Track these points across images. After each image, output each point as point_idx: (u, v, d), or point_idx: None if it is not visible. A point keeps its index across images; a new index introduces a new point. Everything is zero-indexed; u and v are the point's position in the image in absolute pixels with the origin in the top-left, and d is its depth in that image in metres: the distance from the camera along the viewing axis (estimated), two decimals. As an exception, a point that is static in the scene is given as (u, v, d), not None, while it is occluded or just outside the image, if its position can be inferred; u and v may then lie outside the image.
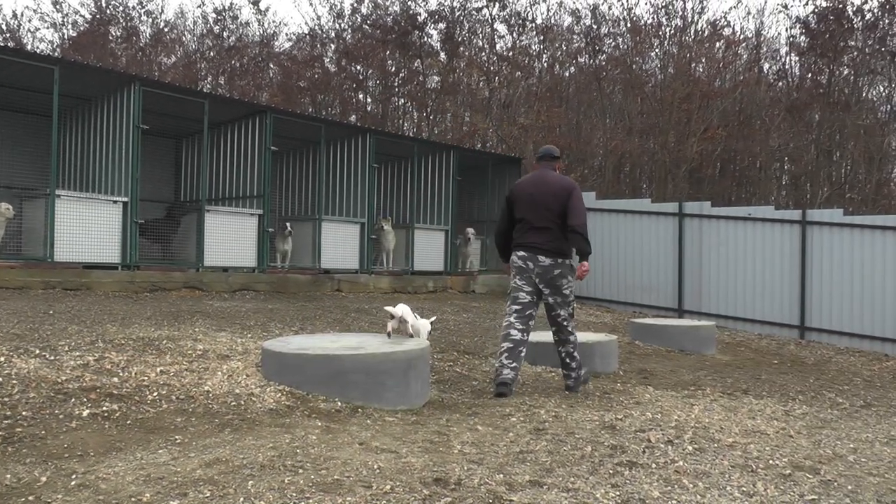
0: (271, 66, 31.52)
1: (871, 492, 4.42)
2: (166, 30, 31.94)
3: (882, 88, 26.73)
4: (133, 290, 11.94)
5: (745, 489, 4.27)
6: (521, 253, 7.01)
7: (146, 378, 5.68)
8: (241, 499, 3.55)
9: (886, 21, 24.74)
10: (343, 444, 4.60)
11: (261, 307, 11.25)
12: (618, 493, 4.05)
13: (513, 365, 6.80)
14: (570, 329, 7.15)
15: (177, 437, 4.55)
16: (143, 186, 13.03)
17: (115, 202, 12.21)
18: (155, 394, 5.36)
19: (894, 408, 7.70)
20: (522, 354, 6.95)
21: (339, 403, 5.60)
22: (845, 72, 25.75)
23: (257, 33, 32.20)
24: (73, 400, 5.02)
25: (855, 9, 24.77)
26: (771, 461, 4.92)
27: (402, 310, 6.84)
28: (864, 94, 26.04)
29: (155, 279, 12.34)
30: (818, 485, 4.47)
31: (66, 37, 31.12)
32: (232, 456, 4.19)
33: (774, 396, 7.80)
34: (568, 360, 7.15)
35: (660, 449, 5.06)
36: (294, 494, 3.64)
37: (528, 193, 7.05)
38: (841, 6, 24.72)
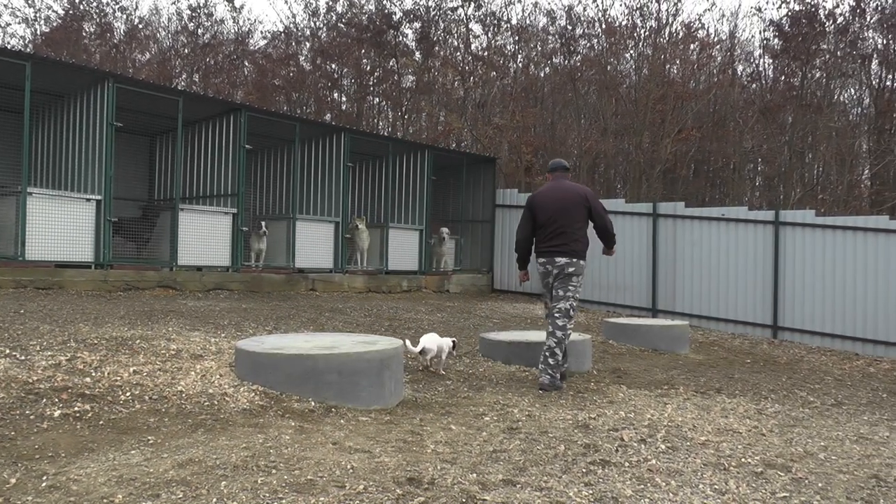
0: (246, 63, 31.40)
1: (840, 489, 4.49)
2: (140, 26, 31.70)
3: (853, 91, 27.05)
4: (106, 289, 11.87)
5: (717, 487, 4.32)
6: (542, 259, 7.71)
7: (119, 378, 5.65)
8: (214, 499, 3.55)
9: (857, 25, 25.03)
10: (316, 444, 4.61)
11: (235, 306, 11.21)
12: (591, 491, 4.09)
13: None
14: (559, 324, 7.47)
15: (149, 437, 4.53)
16: (117, 184, 12.95)
17: (88, 200, 12.12)
18: (128, 394, 5.33)
19: (864, 406, 7.80)
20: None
21: (313, 403, 5.60)
22: (817, 74, 25.99)
23: (232, 31, 32.11)
24: (44, 400, 4.99)
25: (827, 12, 25.09)
26: (743, 459, 4.98)
27: (426, 343, 7.54)
28: (835, 97, 26.30)
29: (128, 278, 12.27)
30: (789, 482, 4.54)
31: (38, 32, 30.79)
32: (205, 456, 4.18)
33: (747, 395, 7.88)
34: (547, 355, 7.38)
35: (633, 447, 5.10)
36: (267, 495, 3.64)
37: (549, 201, 7.69)
38: (813, 10, 24.98)
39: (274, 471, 4.01)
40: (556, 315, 7.47)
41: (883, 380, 10.23)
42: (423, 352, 7.47)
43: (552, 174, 7.99)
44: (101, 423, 4.74)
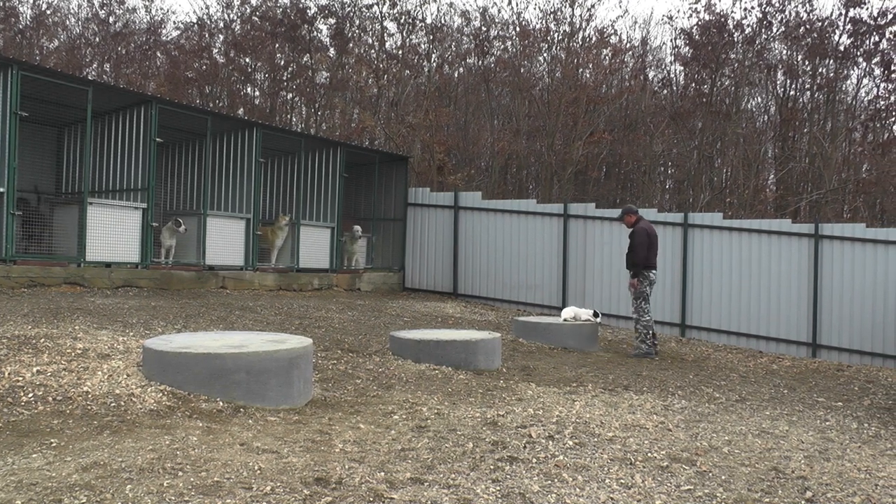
0: (159, 54, 30.69)
1: (742, 481, 4.68)
2: (49, 12, 30.62)
3: (760, 99, 27.91)
4: (9, 285, 11.53)
5: (623, 481, 4.46)
6: (655, 271, 11.55)
7: (21, 378, 5.53)
8: None
9: (764, 36, 25.81)
10: (224, 445, 4.60)
11: (144, 304, 11.03)
12: (498, 487, 4.17)
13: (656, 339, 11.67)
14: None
15: (52, 440, 4.46)
16: (22, 177, 12.57)
17: (-11, 193, 11.76)
18: (30, 395, 5.23)
19: (766, 402, 8.09)
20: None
21: (221, 403, 5.58)
22: (726, 82, 26.72)
23: (144, 20, 31.33)
24: (-59, 401, 4.87)
25: (735, 23, 25.80)
26: (649, 454, 5.14)
27: (569, 313, 12.12)
28: (743, 104, 27.07)
29: (33, 274, 11.94)
30: (694, 475, 4.71)
31: (-66, 16, 29.61)
32: (110, 459, 4.14)
33: (654, 392, 8.09)
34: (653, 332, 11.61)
35: (540, 444, 5.21)
36: (173, 498, 3.63)
37: (654, 233, 11.54)
38: (722, 20, 25.68)
39: (180, 473, 4.00)
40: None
41: (784, 376, 10.60)
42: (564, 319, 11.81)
43: (637, 215, 11.85)
44: None
